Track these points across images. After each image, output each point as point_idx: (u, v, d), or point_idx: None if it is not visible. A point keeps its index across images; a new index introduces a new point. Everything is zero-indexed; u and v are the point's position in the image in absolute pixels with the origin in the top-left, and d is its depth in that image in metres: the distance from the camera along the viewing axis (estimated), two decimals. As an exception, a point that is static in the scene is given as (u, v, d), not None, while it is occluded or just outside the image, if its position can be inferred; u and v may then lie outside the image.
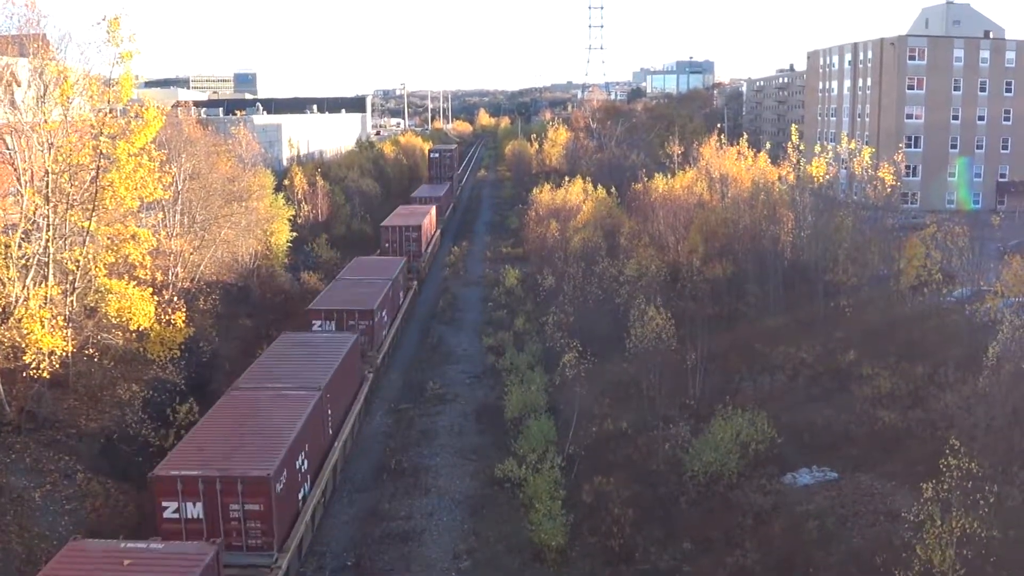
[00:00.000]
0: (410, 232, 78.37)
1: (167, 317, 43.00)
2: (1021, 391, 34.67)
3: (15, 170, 39.83)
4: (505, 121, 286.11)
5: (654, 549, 31.77)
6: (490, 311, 68.59)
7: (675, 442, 38.43)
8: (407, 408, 48.48)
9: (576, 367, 42.81)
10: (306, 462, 33.14)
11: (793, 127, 77.71)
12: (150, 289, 42.41)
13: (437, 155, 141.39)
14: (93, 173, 40.27)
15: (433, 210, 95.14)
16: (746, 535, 31.46)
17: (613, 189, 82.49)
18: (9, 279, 37.52)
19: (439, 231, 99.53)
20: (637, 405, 43.56)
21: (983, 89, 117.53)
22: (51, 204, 39.22)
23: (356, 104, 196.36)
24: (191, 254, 54.57)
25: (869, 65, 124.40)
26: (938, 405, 38.69)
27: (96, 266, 40.58)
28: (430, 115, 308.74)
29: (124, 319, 40.31)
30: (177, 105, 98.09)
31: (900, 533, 28.03)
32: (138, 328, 41.00)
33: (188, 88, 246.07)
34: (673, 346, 44.62)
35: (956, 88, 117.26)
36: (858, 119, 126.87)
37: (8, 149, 40.26)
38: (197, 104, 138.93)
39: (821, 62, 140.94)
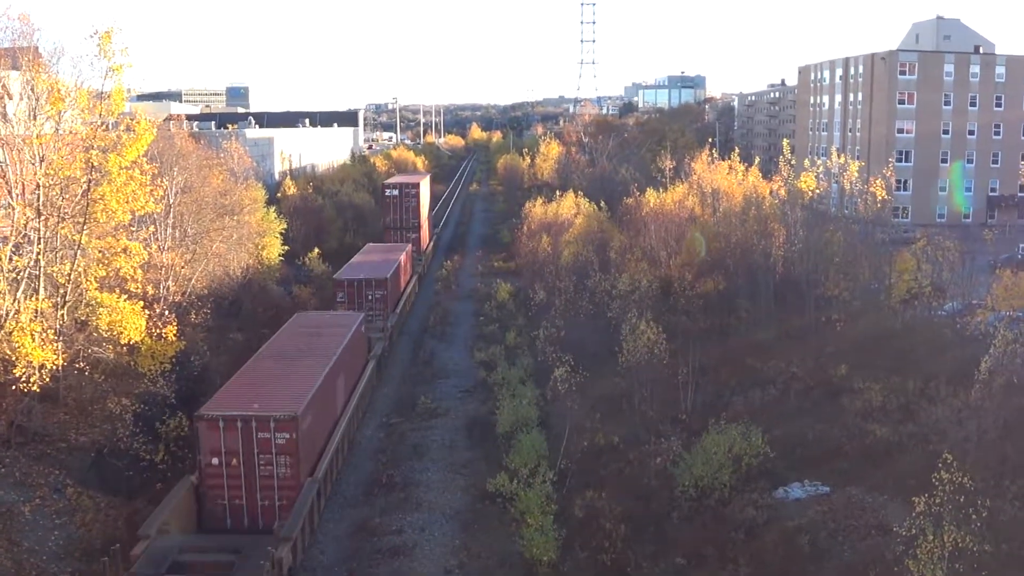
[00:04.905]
0: (253, 477, 33.38)
1: (158, 331, 42.88)
2: (1013, 404, 34.71)
3: (6, 183, 39.77)
4: (497, 135, 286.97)
5: (646, 564, 31.70)
6: (482, 325, 68.53)
7: (667, 456, 38.38)
8: (399, 422, 48.39)
9: (567, 381, 42.65)
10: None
11: (784, 141, 78.06)
12: (141, 303, 42.24)
13: (396, 192, 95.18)
14: (85, 186, 40.19)
15: (349, 338, 45.84)
16: (738, 550, 31.38)
17: (603, 203, 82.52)
18: (0, 292, 37.41)
19: (355, 400, 45.92)
20: (629, 419, 43.54)
21: (973, 104, 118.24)
22: (42, 217, 39.15)
23: (348, 118, 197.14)
24: (182, 268, 54.44)
25: (860, 80, 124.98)
26: (929, 419, 38.65)
27: (87, 279, 40.46)
28: (422, 129, 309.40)
29: (115, 333, 40.16)
30: (169, 118, 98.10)
31: (892, 547, 27.96)
32: (129, 342, 40.85)
33: (180, 101, 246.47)
34: (665, 360, 44.56)
35: (947, 103, 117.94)
36: (849, 133, 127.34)
37: (-1, 162, 40.19)
38: (189, 117, 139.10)
39: (812, 77, 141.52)
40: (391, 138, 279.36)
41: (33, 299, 38.55)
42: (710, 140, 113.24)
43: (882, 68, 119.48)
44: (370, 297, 61.84)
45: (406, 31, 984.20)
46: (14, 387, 35.37)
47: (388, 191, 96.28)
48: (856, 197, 65.93)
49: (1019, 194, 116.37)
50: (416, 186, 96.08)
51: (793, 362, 49.00)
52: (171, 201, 54.90)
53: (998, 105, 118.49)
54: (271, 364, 40.83)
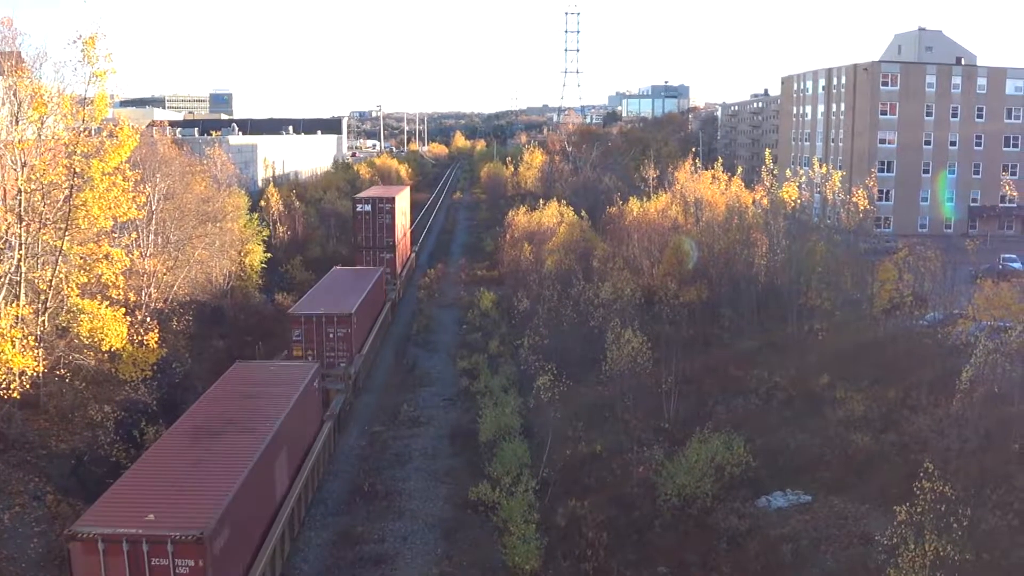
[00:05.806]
0: None
1: (139, 337, 42.67)
2: (993, 414, 34.91)
3: (-13, 189, 39.56)
4: (481, 144, 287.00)
5: (628, 573, 31.65)
6: (465, 333, 68.41)
7: (650, 465, 38.39)
8: (381, 431, 48.23)
9: (550, 390, 42.67)
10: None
11: (767, 151, 78.19)
12: (123, 309, 42.07)
13: (368, 208, 79.69)
14: (67, 192, 40.04)
15: (296, 400, 36.18)
16: (721, 559, 31.42)
17: (584, 212, 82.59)
18: (-20, 298, 37.20)
19: (303, 479, 36.29)
20: (612, 428, 43.54)
21: (955, 115, 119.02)
22: (24, 223, 38.95)
23: (332, 125, 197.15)
24: (165, 274, 54.25)
25: (842, 90, 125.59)
26: (911, 428, 38.81)
27: (68, 286, 40.28)
28: (406, 137, 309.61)
29: (96, 339, 39.97)
30: (152, 124, 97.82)
31: (874, 556, 28.07)
32: (110, 348, 40.68)
33: (164, 108, 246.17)
34: (648, 369, 44.62)
35: (928, 114, 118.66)
36: (831, 144, 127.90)
37: (-20, 168, 39.98)
38: (172, 124, 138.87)
39: (795, 87, 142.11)
40: (375, 146, 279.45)
41: (14, 305, 38.34)
42: (693, 150, 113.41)
43: (864, 79, 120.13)
44: (331, 335, 51.27)
45: (391, 39, 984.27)
46: (-6, 394, 35.16)
47: (359, 206, 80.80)
48: (838, 207, 66.26)
49: (1000, 205, 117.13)
50: (391, 200, 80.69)
51: (776, 371, 49.13)
52: (153, 207, 54.73)
53: (979, 116, 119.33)
54: (187, 444, 30.62)
